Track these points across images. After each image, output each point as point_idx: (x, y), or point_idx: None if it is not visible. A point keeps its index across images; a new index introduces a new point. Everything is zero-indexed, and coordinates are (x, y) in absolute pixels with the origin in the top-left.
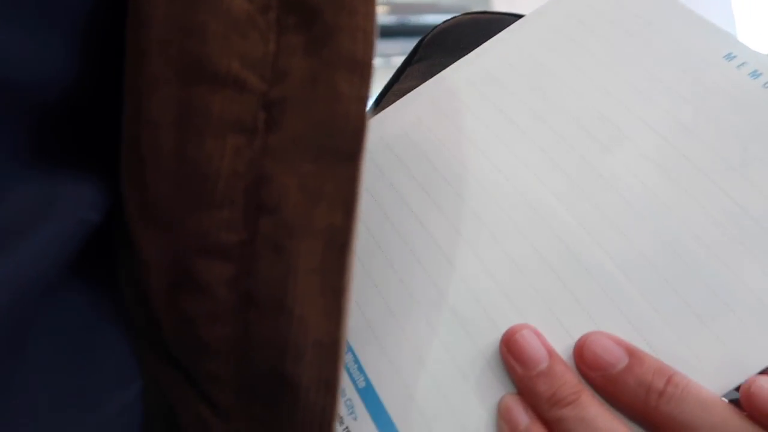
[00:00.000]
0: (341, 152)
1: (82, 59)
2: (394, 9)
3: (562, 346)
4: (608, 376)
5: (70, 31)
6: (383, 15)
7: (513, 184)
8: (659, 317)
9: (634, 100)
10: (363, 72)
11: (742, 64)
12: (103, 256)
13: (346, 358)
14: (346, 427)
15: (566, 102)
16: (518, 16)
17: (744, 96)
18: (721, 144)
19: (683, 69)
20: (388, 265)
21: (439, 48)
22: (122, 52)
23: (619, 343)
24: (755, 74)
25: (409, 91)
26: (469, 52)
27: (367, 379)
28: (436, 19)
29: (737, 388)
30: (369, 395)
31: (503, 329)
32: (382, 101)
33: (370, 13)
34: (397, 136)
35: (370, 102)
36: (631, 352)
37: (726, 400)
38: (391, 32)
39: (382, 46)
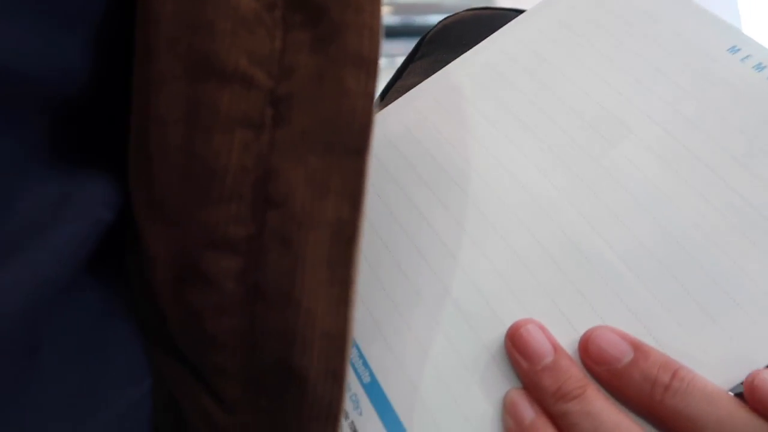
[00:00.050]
0: (348, 147)
1: (94, 56)
2: (398, 9)
3: (567, 340)
4: (613, 371)
5: (82, 28)
6: (387, 15)
7: (516, 178)
8: (664, 310)
9: (637, 92)
10: (369, 68)
11: (747, 56)
12: (113, 254)
13: (352, 354)
14: (352, 422)
15: (569, 95)
16: (520, 12)
17: (748, 89)
18: (725, 136)
19: (687, 62)
20: (392, 260)
21: (442, 44)
22: (132, 50)
23: (624, 337)
24: (760, 67)
25: (411, 88)
26: (472, 48)
27: (372, 375)
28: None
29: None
30: (374, 390)
31: (508, 324)
32: (385, 98)
33: (376, 11)
34: (400, 133)
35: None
36: (637, 346)
37: (732, 394)
38: (395, 32)
39: (385, 46)
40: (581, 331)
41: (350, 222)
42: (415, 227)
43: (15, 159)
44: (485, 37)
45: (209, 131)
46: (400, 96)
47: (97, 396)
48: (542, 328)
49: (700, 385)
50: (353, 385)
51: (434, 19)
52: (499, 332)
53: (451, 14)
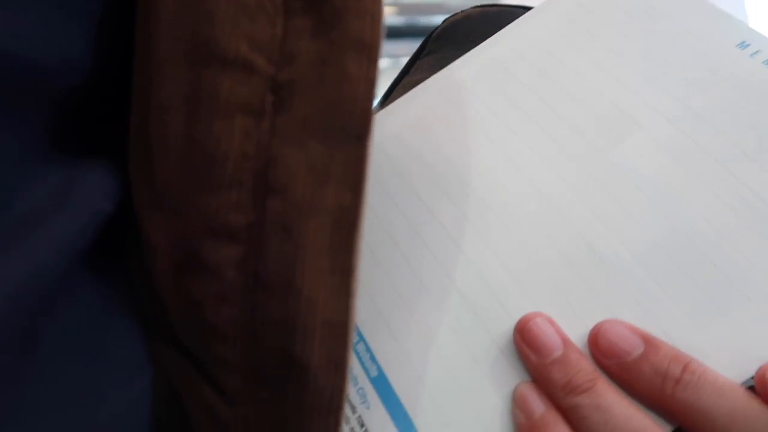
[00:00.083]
0: (349, 133)
1: (96, 45)
2: (402, 10)
3: (577, 334)
4: (623, 364)
5: (84, 16)
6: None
7: (523, 173)
8: (674, 304)
9: (646, 88)
10: (371, 54)
11: (756, 52)
12: (113, 248)
13: (359, 348)
14: (359, 416)
15: (577, 91)
16: (528, 9)
17: (758, 84)
18: (735, 132)
19: (696, 57)
20: (398, 254)
21: (449, 41)
22: (134, 38)
23: (635, 330)
24: None
25: (418, 84)
26: (479, 44)
27: (379, 368)
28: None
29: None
30: (381, 384)
31: (516, 317)
32: (392, 95)
33: None
34: (407, 128)
35: (379, 95)
36: (647, 340)
37: (744, 387)
38: (399, 33)
39: (390, 46)
40: (590, 325)
41: (351, 209)
42: (421, 220)
43: (14, 149)
44: (492, 34)
45: (209, 118)
46: (407, 92)
47: (97, 390)
48: (551, 322)
49: (711, 378)
50: (360, 379)
51: (439, 19)
52: (507, 325)
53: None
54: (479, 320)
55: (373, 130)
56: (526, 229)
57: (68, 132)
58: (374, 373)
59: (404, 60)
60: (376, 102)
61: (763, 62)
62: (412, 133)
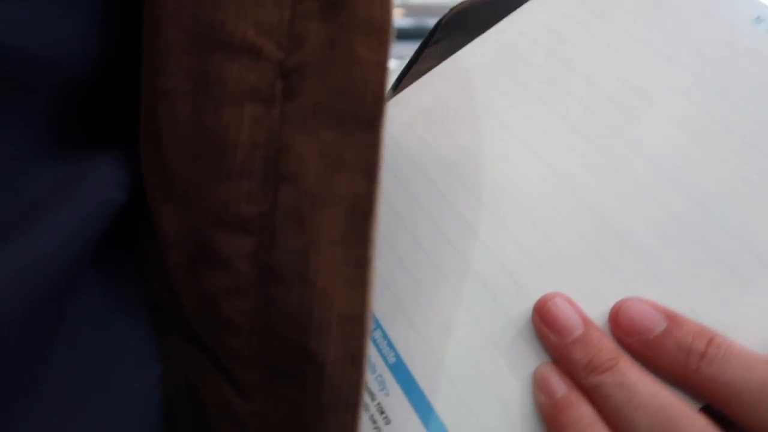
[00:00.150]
0: (361, 118)
1: (100, 35)
2: (411, 11)
3: (597, 313)
4: (646, 341)
5: (86, 6)
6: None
7: (538, 156)
8: (697, 280)
9: (660, 65)
10: (381, 36)
11: None
12: (124, 238)
13: (376, 335)
14: (378, 403)
15: (589, 71)
16: None
17: None
18: (752, 104)
19: (710, 33)
20: (413, 241)
21: (457, 28)
22: (141, 25)
23: (656, 307)
24: None
25: (427, 72)
26: (487, 30)
27: (397, 355)
28: None
29: None
30: (400, 370)
31: (535, 298)
32: (401, 84)
33: None
34: (418, 116)
35: (388, 85)
36: (670, 316)
37: None
38: (407, 35)
39: (398, 48)
40: (611, 304)
41: (366, 196)
42: (435, 206)
43: (18, 141)
44: (501, 19)
45: (218, 104)
46: (417, 81)
47: (106, 383)
48: (570, 302)
49: (737, 351)
50: (378, 366)
51: None
52: (525, 307)
53: None
54: (498, 303)
55: (385, 114)
56: (542, 211)
57: (75, 123)
58: (392, 359)
59: None
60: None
61: None
62: (424, 122)
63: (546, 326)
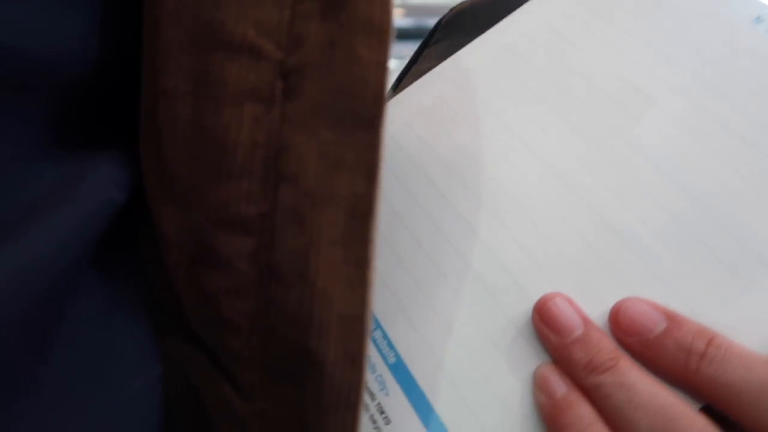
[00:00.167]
0: (361, 118)
1: (102, 33)
2: (411, 11)
3: (597, 313)
4: (646, 341)
5: (88, 5)
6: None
7: (538, 156)
8: (697, 281)
9: (660, 65)
10: (381, 36)
11: None
12: (124, 238)
13: (376, 335)
14: (379, 403)
15: (589, 71)
16: None
17: None
18: (754, 105)
19: (710, 33)
20: (413, 240)
21: (457, 28)
22: (141, 25)
23: (656, 307)
24: None
25: (427, 72)
26: (487, 30)
27: (397, 355)
28: None
29: None
30: (400, 370)
31: (535, 298)
32: (402, 83)
33: None
34: (418, 116)
35: (388, 85)
36: (670, 316)
37: None
38: (407, 35)
39: (398, 48)
40: (611, 305)
41: (365, 196)
42: (434, 206)
43: (16, 141)
44: (501, 19)
45: (218, 104)
46: (416, 81)
47: (105, 384)
48: (570, 302)
49: (737, 351)
50: (378, 366)
51: None
52: (525, 307)
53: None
54: (497, 303)
55: (386, 114)
56: (542, 211)
57: (75, 123)
58: (392, 359)
59: None
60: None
61: None
62: (424, 122)
63: (546, 326)
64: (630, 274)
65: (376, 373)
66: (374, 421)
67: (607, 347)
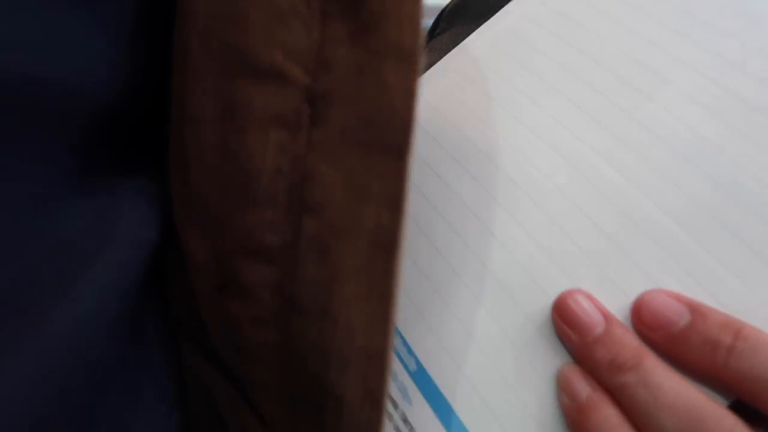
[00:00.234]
0: (389, 147)
1: (131, 57)
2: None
3: (619, 308)
4: (670, 336)
5: (118, 32)
6: None
7: (550, 146)
8: (723, 268)
9: (671, 42)
10: (410, 62)
11: None
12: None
13: (395, 342)
14: (402, 413)
15: (598, 53)
16: None
17: None
18: None
19: (722, 5)
20: (427, 242)
21: (460, 17)
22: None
23: (680, 298)
24: None
25: (433, 65)
26: (491, 17)
27: (417, 362)
28: None
29: None
30: (421, 377)
31: (554, 296)
32: None
33: (417, 0)
34: (426, 110)
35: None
36: (694, 308)
37: None
38: None
39: None
40: (633, 298)
41: (390, 229)
42: (447, 205)
43: (48, 176)
44: (505, 5)
45: (243, 131)
46: (423, 73)
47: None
48: (590, 297)
49: (766, 342)
50: (399, 374)
51: None
52: (545, 305)
53: None
54: (516, 302)
55: (414, 143)
56: (556, 203)
57: (104, 153)
58: (413, 367)
59: None
60: None
61: None
62: (432, 116)
63: (566, 324)
64: (652, 264)
65: (397, 381)
66: (398, 431)
67: (630, 344)
